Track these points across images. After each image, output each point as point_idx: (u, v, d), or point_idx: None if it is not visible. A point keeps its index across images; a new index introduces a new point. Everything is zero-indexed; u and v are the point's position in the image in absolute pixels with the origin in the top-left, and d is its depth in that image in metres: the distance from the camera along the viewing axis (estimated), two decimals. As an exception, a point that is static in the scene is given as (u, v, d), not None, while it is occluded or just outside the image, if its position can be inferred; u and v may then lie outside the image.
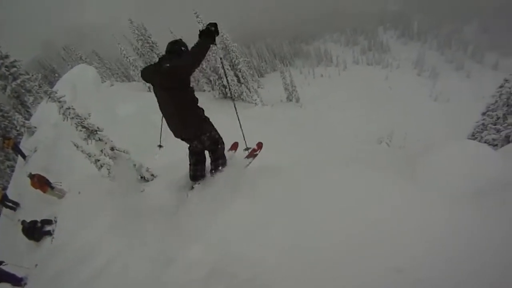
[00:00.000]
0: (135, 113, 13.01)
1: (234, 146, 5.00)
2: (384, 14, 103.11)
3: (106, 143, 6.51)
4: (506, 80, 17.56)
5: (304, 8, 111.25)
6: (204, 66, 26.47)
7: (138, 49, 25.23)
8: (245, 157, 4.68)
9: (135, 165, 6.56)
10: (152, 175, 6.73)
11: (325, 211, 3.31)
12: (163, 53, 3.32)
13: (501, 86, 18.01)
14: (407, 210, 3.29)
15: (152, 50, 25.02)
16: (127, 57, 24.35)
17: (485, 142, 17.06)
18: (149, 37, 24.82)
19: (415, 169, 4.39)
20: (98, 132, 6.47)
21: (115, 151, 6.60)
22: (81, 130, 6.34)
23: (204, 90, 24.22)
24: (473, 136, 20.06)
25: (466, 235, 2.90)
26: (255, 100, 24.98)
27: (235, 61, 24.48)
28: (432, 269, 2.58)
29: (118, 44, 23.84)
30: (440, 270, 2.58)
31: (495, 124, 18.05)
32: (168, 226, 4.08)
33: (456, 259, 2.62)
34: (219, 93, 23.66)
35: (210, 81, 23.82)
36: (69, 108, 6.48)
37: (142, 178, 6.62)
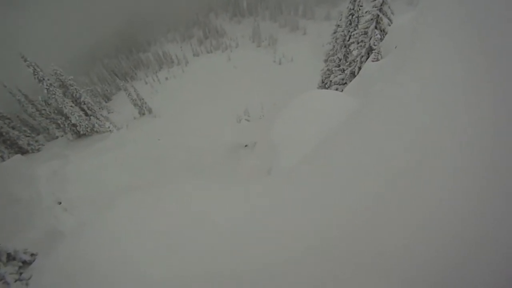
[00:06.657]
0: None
1: None
2: (212, 1, 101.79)
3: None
4: (338, 25, 18.57)
5: (133, 16, 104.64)
6: (48, 111, 26.57)
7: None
8: None
9: (10, 254, 5.91)
10: (32, 254, 6.26)
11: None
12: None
13: (334, 32, 19.04)
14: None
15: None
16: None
17: (334, 84, 18.84)
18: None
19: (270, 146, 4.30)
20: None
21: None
22: None
23: (57, 137, 24.55)
24: (323, 83, 21.54)
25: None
26: (108, 127, 26.14)
27: (76, 95, 24.16)
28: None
29: None
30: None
31: (339, 66, 18.77)
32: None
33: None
34: (72, 134, 23.98)
35: (59, 124, 24.06)
36: None
37: (24, 262, 6.02)
